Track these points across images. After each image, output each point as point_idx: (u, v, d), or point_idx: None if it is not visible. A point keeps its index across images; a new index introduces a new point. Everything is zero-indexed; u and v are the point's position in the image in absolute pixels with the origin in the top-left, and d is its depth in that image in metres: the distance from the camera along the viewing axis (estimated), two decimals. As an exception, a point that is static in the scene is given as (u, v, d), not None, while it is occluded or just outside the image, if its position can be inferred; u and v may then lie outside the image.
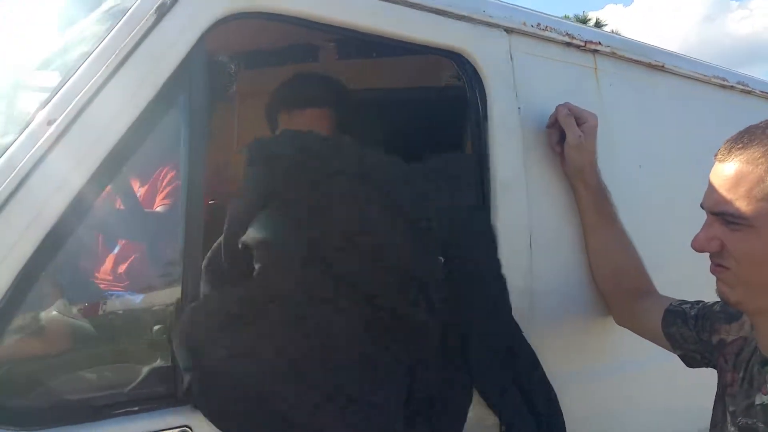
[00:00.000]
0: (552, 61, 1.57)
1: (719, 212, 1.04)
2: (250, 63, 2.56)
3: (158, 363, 1.02)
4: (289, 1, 1.13)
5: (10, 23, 1.44)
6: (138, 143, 0.99)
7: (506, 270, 1.39)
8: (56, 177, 0.88)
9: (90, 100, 0.93)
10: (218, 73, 2.65)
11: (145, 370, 0.99)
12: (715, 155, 1.08)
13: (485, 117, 1.41)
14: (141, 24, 0.98)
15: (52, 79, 1.00)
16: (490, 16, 1.43)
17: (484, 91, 1.42)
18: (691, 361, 1.34)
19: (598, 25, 14.44)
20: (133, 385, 0.97)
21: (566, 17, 15.56)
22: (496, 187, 1.41)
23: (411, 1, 1.28)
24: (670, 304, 1.38)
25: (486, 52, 1.41)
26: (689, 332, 1.31)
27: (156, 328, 1.09)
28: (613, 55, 1.70)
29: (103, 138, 0.93)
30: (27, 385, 0.92)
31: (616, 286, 1.54)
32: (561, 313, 1.51)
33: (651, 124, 1.78)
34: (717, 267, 1.07)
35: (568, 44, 1.60)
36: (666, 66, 1.83)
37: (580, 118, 1.46)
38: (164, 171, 2.39)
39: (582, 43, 1.62)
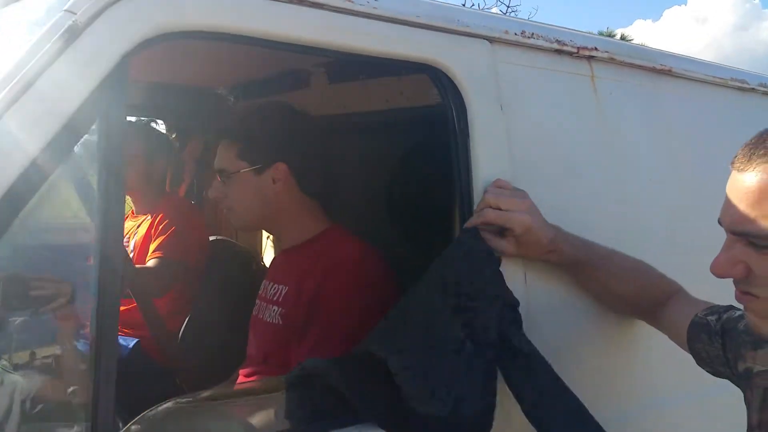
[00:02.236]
0: (541, 70, 1.46)
1: (741, 232, 0.88)
2: (247, 94, 2.52)
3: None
4: (227, 18, 1.05)
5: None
6: (41, 181, 0.89)
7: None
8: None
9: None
10: (218, 108, 2.63)
11: None
12: (732, 163, 0.91)
13: (466, 132, 1.30)
14: (46, 48, 0.90)
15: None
16: (468, 26, 1.33)
17: (464, 105, 1.31)
18: (722, 377, 1.18)
19: (623, 40, 14.20)
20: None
21: (610, 31, 15.28)
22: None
23: (370, 13, 1.19)
24: (696, 315, 1.22)
25: (464, 63, 1.31)
26: (715, 350, 1.16)
27: (71, 389, 0.98)
28: (611, 60, 1.57)
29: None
30: None
31: (636, 307, 1.42)
32: (562, 352, 1.37)
33: (659, 133, 1.65)
34: (744, 295, 0.92)
35: (559, 51, 1.48)
36: (674, 70, 1.69)
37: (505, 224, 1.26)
38: (160, 216, 2.33)
39: (574, 50, 1.50)
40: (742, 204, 0.87)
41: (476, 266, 1.22)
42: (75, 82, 0.93)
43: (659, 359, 1.50)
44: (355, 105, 1.98)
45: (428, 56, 1.28)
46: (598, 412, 1.20)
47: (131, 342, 2.20)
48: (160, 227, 2.29)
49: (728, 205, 0.91)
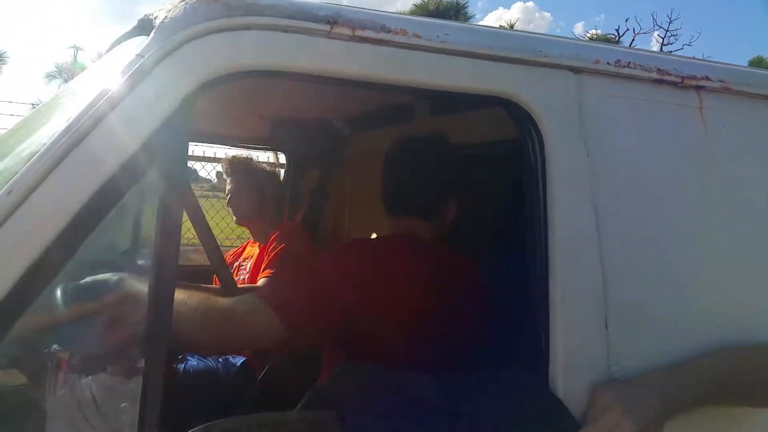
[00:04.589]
0: (637, 101, 1.34)
1: None
2: (359, 126, 2.58)
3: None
4: (283, 57, 1.07)
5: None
6: (101, 216, 0.95)
7: (576, 358, 1.17)
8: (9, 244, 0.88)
9: (54, 167, 0.91)
10: (334, 140, 2.72)
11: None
12: None
13: (542, 169, 1.22)
14: (115, 88, 0.97)
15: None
16: (547, 56, 1.25)
17: (542, 140, 1.23)
18: None
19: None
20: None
21: (760, 58, 13.47)
22: (556, 251, 1.19)
23: (437, 47, 1.16)
24: None
25: (541, 96, 1.23)
26: None
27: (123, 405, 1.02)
28: (726, 90, 1.40)
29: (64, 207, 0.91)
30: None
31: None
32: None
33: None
34: None
35: (660, 81, 1.35)
36: (811, 99, 1.48)
37: None
38: (272, 240, 2.43)
39: (678, 80, 1.36)
40: None
41: None
42: (139, 120, 0.99)
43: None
44: (455, 137, 1.94)
45: (501, 89, 1.22)
46: None
47: (239, 360, 2.29)
48: (271, 249, 2.40)
49: None
